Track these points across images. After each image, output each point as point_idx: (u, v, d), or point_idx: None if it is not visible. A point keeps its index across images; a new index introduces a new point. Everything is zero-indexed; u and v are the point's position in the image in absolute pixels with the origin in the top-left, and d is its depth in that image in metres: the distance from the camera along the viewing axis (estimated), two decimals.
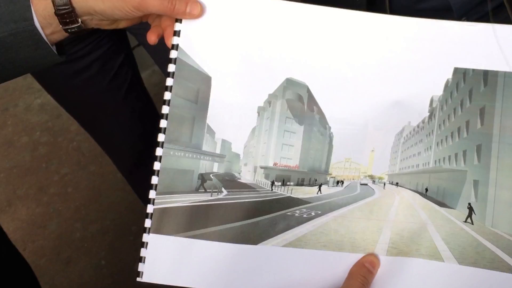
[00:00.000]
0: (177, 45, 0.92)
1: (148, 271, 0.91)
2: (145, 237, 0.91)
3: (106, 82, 1.68)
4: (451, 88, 0.92)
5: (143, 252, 0.91)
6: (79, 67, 1.61)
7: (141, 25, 0.99)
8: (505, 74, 0.89)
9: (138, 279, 0.90)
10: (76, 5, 0.90)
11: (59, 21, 0.91)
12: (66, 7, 0.90)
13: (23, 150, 2.85)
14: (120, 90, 1.73)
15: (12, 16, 0.88)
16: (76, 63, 1.60)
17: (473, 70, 0.91)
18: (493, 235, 0.90)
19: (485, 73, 0.91)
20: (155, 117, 1.91)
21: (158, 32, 0.96)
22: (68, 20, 0.91)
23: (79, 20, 0.92)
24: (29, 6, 0.89)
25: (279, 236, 0.91)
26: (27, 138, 2.89)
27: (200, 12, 0.91)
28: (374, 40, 0.92)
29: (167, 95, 0.91)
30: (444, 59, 0.91)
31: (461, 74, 0.91)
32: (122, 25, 0.98)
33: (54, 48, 0.93)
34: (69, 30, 0.93)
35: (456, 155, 0.92)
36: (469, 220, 0.91)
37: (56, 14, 0.90)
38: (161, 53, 1.64)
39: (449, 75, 0.91)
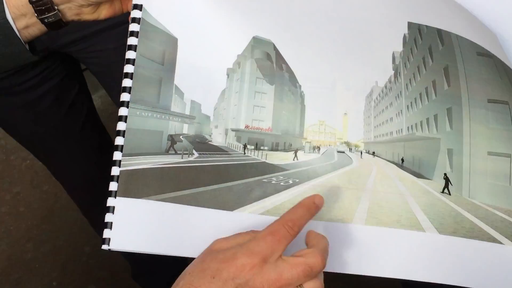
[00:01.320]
0: (141, 5, 0.88)
1: (116, 238, 0.83)
2: (111, 201, 0.84)
3: (62, 115, 1.61)
4: (409, 43, 0.91)
5: (109, 217, 0.83)
6: (31, 99, 1.52)
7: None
8: (457, 37, 0.89)
9: (104, 246, 0.82)
10: None
11: (34, 10, 0.84)
12: None
13: None
14: (77, 122, 1.67)
15: None
16: (28, 93, 1.51)
17: (427, 26, 0.90)
18: (471, 205, 0.89)
19: (439, 32, 0.90)
20: (111, 147, 1.87)
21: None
22: (44, 8, 0.84)
23: (55, 8, 0.85)
24: None
25: (255, 203, 0.87)
26: None
27: None
28: None
29: (130, 54, 0.87)
30: (398, 13, 0.90)
31: (416, 30, 0.91)
32: (104, 14, 0.92)
33: (27, 46, 0.87)
34: (45, 21, 0.86)
35: (427, 120, 0.90)
36: (446, 190, 0.90)
37: (30, 1, 0.84)
38: (106, 75, 1.62)
39: (405, 30, 0.90)
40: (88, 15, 0.90)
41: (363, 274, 0.87)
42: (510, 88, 0.92)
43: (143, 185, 0.85)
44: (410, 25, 0.90)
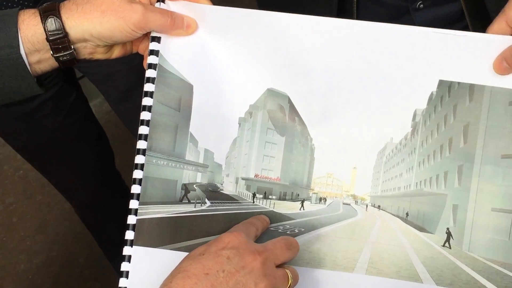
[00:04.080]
0: (158, 51, 0.90)
1: (133, 287, 0.86)
2: (128, 250, 0.87)
3: (59, 122, 1.63)
4: (435, 101, 0.91)
5: (125, 266, 0.86)
6: (29, 108, 1.55)
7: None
8: (492, 90, 0.89)
9: None
10: (70, 30, 0.85)
11: (51, 48, 0.85)
12: (59, 32, 0.85)
13: None
14: (73, 128, 1.69)
15: None
16: (27, 104, 1.53)
17: (459, 83, 0.90)
18: (470, 259, 0.91)
19: (471, 87, 0.90)
20: (110, 152, 1.89)
21: None
22: (60, 46, 0.86)
23: (72, 47, 0.87)
24: (16, 33, 0.84)
25: None
26: None
27: (196, 27, 0.90)
28: (355, 48, 0.90)
29: (146, 101, 0.89)
30: (429, 70, 0.90)
31: (446, 87, 0.90)
32: (116, 54, 0.93)
33: (34, 80, 0.88)
34: (60, 59, 0.87)
35: (437, 176, 0.93)
36: (447, 244, 0.92)
37: (47, 40, 0.85)
38: (107, 84, 1.64)
39: (434, 87, 0.91)
40: (101, 54, 0.92)
41: None
42: None
43: (158, 234, 0.88)
44: (441, 83, 0.90)
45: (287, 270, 0.83)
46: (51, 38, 0.85)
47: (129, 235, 0.87)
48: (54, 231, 2.57)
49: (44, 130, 1.63)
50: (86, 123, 1.73)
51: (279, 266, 0.83)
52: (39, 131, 1.62)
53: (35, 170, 2.56)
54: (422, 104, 0.91)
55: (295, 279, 0.84)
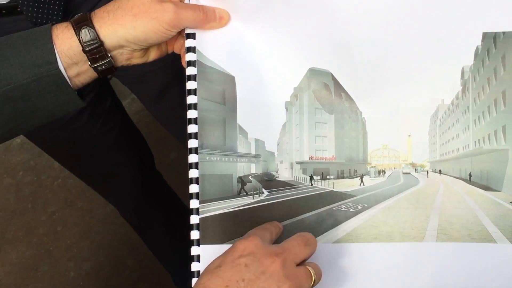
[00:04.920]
0: (194, 47, 0.89)
1: None
2: (195, 250, 0.87)
3: (97, 129, 1.62)
4: (482, 55, 0.89)
5: (195, 266, 0.86)
6: (67, 119, 1.54)
7: None
8: None
9: None
10: (104, 39, 0.84)
11: (88, 58, 0.84)
12: (94, 42, 0.84)
13: (7, 192, 2.77)
14: (112, 133, 1.68)
15: (35, 60, 0.82)
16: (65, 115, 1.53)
17: (504, 33, 0.87)
18: None
19: None
20: (149, 153, 1.88)
21: None
22: (98, 56, 0.85)
23: (109, 55, 0.86)
24: (52, 48, 0.82)
25: (327, 233, 0.89)
26: (10, 179, 2.81)
27: (229, 17, 0.89)
28: (394, 13, 0.88)
29: (191, 99, 0.88)
30: (471, 23, 0.87)
31: (491, 39, 0.88)
32: (152, 56, 0.92)
33: (76, 93, 0.87)
34: (99, 68, 0.86)
35: (495, 132, 0.90)
36: None
37: (84, 51, 0.84)
38: (136, 82, 1.63)
39: (478, 41, 0.88)
40: (138, 59, 0.91)
41: None
42: None
43: (222, 230, 0.88)
44: (485, 35, 0.88)
45: (308, 267, 0.80)
46: (87, 48, 0.84)
47: (195, 235, 0.87)
48: (99, 236, 2.58)
49: (83, 139, 1.62)
50: (124, 127, 1.72)
51: (300, 264, 0.80)
52: (79, 140, 1.62)
53: (73, 177, 2.58)
54: (469, 61, 0.89)
55: (319, 275, 0.81)
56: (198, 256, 0.86)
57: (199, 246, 0.87)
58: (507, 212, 0.89)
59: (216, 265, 0.76)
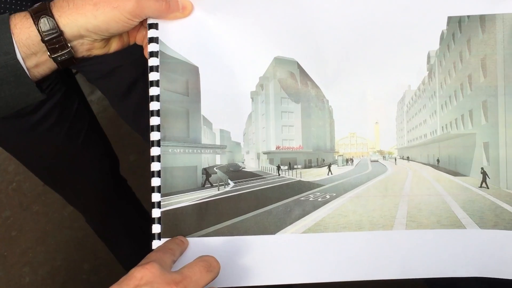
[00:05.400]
0: (157, 38, 0.87)
1: None
2: (156, 244, 0.85)
3: (64, 133, 1.58)
4: (447, 40, 0.88)
5: None
6: (35, 120, 1.49)
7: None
8: (503, 17, 0.86)
9: None
10: (64, 28, 0.82)
11: (47, 48, 0.82)
12: (53, 31, 0.81)
13: None
14: (79, 137, 1.63)
15: None
16: (34, 114, 1.48)
17: (469, 16, 0.87)
18: (510, 196, 0.88)
19: (482, 18, 0.87)
20: (114, 157, 1.84)
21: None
22: (57, 46, 0.82)
23: (69, 45, 0.83)
24: (10, 38, 0.80)
25: (296, 223, 0.87)
26: None
27: (192, 7, 0.87)
28: (359, 0, 0.88)
29: (153, 91, 0.86)
30: (436, 8, 0.87)
31: (456, 23, 0.88)
32: (113, 47, 0.90)
33: (34, 84, 0.84)
34: (59, 59, 0.84)
35: (462, 116, 0.89)
36: (484, 185, 0.89)
37: (43, 41, 0.81)
38: (109, 81, 1.59)
39: (443, 25, 0.87)
40: (99, 49, 0.88)
41: (408, 277, 0.88)
42: None
43: (185, 223, 0.86)
44: (450, 19, 0.87)
45: None
46: (46, 38, 0.82)
47: (156, 228, 0.85)
48: (55, 240, 2.52)
49: (50, 143, 1.58)
50: (91, 131, 1.68)
51: None
52: (46, 144, 1.57)
53: (29, 181, 2.51)
54: (435, 45, 0.88)
55: None
56: None
57: (160, 240, 0.85)
58: (475, 197, 0.88)
59: None
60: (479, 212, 0.88)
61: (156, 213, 0.85)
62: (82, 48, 0.86)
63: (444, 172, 0.90)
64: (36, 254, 2.50)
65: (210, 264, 0.78)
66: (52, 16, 0.81)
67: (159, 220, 0.85)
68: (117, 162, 1.84)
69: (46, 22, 0.81)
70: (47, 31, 0.81)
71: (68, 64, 0.86)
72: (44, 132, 1.53)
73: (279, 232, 0.87)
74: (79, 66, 1.49)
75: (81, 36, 0.84)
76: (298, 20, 0.87)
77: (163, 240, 0.85)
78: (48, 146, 1.58)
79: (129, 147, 2.48)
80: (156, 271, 0.73)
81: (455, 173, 0.90)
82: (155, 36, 0.86)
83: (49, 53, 0.83)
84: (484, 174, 0.89)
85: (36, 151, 1.59)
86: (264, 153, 0.90)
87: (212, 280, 0.78)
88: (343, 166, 0.92)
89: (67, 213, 2.52)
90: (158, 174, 0.85)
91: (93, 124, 1.71)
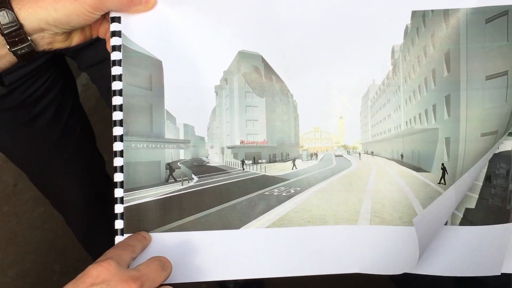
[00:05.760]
0: (120, 31, 0.86)
1: None
2: (118, 240, 0.84)
3: (58, 133, 1.57)
4: (411, 34, 0.88)
5: None
6: (33, 114, 1.48)
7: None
8: (467, 11, 0.86)
9: None
10: (24, 21, 0.81)
11: (7, 42, 0.81)
12: (13, 24, 0.80)
13: None
14: (72, 139, 1.62)
15: None
16: (33, 107, 1.48)
17: (432, 11, 0.87)
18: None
19: (446, 13, 0.87)
20: (101, 159, 1.83)
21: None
22: (17, 39, 0.81)
23: (29, 38, 0.82)
24: None
25: (260, 217, 0.87)
26: None
27: (155, 0, 0.86)
28: None
29: (116, 85, 0.85)
30: (400, 3, 0.87)
31: (420, 18, 0.88)
32: (75, 40, 0.89)
33: None
34: (18, 52, 0.83)
35: (426, 111, 0.90)
36: (442, 181, 0.89)
37: (2, 34, 0.81)
38: (101, 75, 1.57)
39: (407, 20, 0.88)
40: (61, 43, 0.87)
41: (368, 273, 0.88)
42: None
43: (148, 218, 0.85)
44: (414, 14, 0.87)
45: None
46: (5, 31, 0.81)
47: (119, 224, 0.85)
48: (26, 241, 2.49)
49: (43, 141, 1.57)
50: (83, 135, 1.67)
51: None
52: (39, 140, 1.56)
53: None
54: (399, 40, 0.88)
55: None
56: None
57: (123, 235, 0.85)
58: (434, 193, 0.89)
59: None
60: None
61: (118, 208, 0.84)
62: (43, 42, 0.85)
63: (407, 167, 0.91)
64: (6, 255, 2.47)
65: (164, 263, 0.79)
66: (11, 9, 0.80)
67: (122, 216, 0.85)
68: (102, 159, 1.84)
69: (5, 15, 0.80)
70: (6, 24, 0.80)
71: (29, 58, 0.85)
72: (40, 128, 1.52)
73: (243, 227, 0.87)
74: (70, 53, 1.47)
75: (41, 30, 0.83)
76: (262, 14, 0.87)
77: (126, 235, 0.84)
78: (42, 144, 1.57)
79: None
80: (112, 269, 0.73)
81: (418, 169, 0.90)
82: (117, 29, 0.85)
83: (8, 47, 0.82)
84: (444, 169, 0.89)
85: (29, 147, 1.57)
86: (229, 147, 0.90)
87: (166, 279, 0.79)
88: (307, 160, 0.92)
89: (38, 214, 2.50)
90: (121, 169, 0.85)
91: (86, 128, 1.70)
